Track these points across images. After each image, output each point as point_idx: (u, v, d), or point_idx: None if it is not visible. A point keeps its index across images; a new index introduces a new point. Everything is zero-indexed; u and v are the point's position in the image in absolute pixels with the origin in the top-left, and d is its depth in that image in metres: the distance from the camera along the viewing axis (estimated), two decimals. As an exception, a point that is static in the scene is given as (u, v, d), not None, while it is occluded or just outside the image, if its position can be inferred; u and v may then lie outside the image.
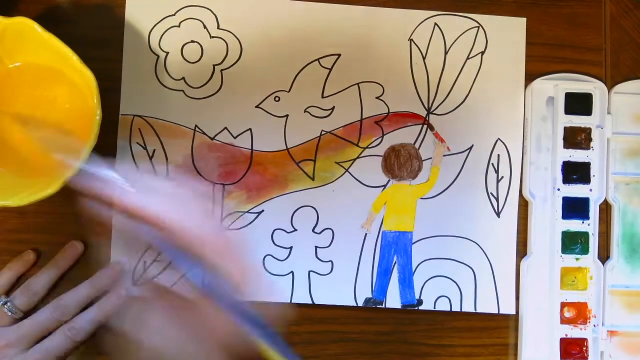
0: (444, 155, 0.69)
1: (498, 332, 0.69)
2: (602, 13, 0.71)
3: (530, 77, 0.70)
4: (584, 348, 0.67)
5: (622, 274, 0.69)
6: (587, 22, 0.71)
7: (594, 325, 0.67)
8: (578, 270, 0.68)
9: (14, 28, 0.59)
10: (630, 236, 0.69)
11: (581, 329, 0.67)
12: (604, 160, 0.69)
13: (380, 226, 0.69)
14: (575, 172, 0.68)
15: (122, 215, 0.47)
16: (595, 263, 0.68)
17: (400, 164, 0.69)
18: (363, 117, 0.69)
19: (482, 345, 0.69)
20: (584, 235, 0.68)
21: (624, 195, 0.69)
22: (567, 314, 0.67)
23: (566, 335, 0.67)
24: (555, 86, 0.69)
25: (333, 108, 0.69)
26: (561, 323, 0.67)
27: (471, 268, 0.69)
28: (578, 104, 0.68)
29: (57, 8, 0.68)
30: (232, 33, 0.68)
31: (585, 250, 0.68)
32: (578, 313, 0.67)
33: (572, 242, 0.68)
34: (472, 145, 0.69)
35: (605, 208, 0.70)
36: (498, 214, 0.69)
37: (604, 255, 0.69)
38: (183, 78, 0.68)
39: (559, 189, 0.68)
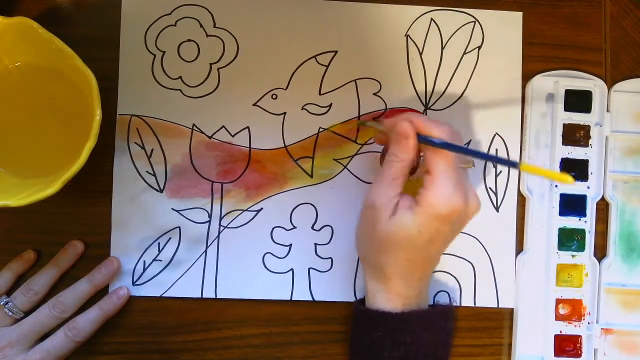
0: (443, 151, 0.73)
1: (498, 332, 0.72)
2: (602, 13, 0.73)
3: (530, 77, 0.72)
4: (578, 345, 0.70)
5: (618, 272, 0.72)
6: (587, 22, 0.73)
7: (588, 323, 0.71)
8: (573, 267, 0.71)
9: (14, 28, 0.61)
10: (628, 235, 0.72)
11: (575, 326, 0.70)
12: (602, 158, 0.71)
13: (380, 222, 0.72)
14: (574, 169, 0.71)
15: None
16: (591, 260, 0.71)
17: None
18: (361, 114, 0.72)
19: (482, 345, 0.72)
20: (581, 233, 0.71)
21: (622, 193, 0.72)
22: (561, 311, 0.71)
23: (560, 331, 0.70)
24: (555, 83, 0.72)
25: (330, 105, 0.71)
26: (556, 320, 0.70)
27: (470, 263, 0.72)
28: (578, 101, 0.71)
29: (57, 8, 0.70)
30: (228, 31, 0.71)
31: (581, 248, 0.71)
32: (573, 310, 0.71)
33: (569, 239, 0.71)
34: (470, 140, 0.72)
35: (604, 206, 0.73)
36: (497, 209, 0.72)
37: (602, 254, 0.72)
38: (180, 77, 0.70)
39: (556, 186, 0.71)
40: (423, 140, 0.58)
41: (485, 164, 0.72)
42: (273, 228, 0.71)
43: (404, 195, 0.59)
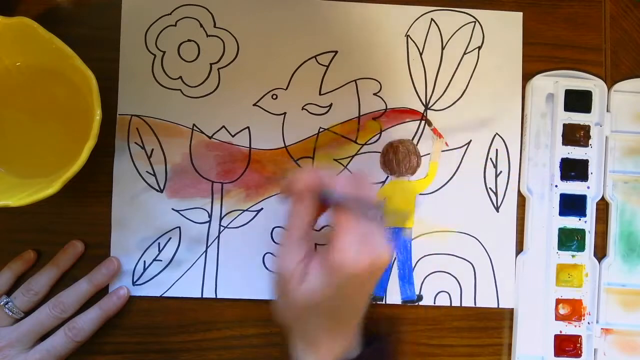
0: (443, 151, 0.72)
1: (498, 332, 0.72)
2: (602, 13, 0.74)
3: (530, 77, 0.72)
4: (578, 345, 0.71)
5: (619, 272, 0.72)
6: (587, 22, 0.73)
7: (589, 323, 0.71)
8: (573, 267, 0.71)
9: (14, 28, 0.61)
10: (628, 234, 0.72)
11: (575, 326, 0.71)
12: (602, 158, 0.72)
13: (380, 222, 0.72)
14: (573, 169, 0.71)
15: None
16: (591, 260, 0.71)
17: (399, 160, 0.72)
18: (361, 114, 0.72)
19: (482, 345, 0.72)
20: (581, 233, 0.71)
21: (622, 193, 0.72)
22: (561, 311, 0.71)
23: (560, 331, 0.71)
24: (555, 83, 0.72)
25: (331, 105, 0.72)
26: (556, 320, 0.71)
27: (471, 263, 0.72)
28: (578, 101, 0.72)
29: (57, 8, 0.70)
30: (228, 31, 0.71)
31: (581, 248, 0.71)
32: (573, 310, 0.71)
33: (569, 239, 0.71)
34: (470, 140, 0.72)
35: (604, 206, 0.73)
36: (497, 209, 0.72)
37: (602, 254, 0.72)
38: (180, 77, 0.70)
39: (556, 186, 0.71)
40: (322, 196, 0.57)
41: (486, 162, 0.72)
42: (273, 228, 0.71)
43: (313, 256, 0.57)
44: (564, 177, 0.72)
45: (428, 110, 0.72)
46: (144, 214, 0.70)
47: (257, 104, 0.71)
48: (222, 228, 0.71)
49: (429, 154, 0.72)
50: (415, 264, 0.72)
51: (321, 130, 0.72)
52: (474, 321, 0.72)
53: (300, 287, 0.55)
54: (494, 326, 0.72)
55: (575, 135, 0.72)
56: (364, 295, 0.59)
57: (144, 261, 0.70)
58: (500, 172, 0.73)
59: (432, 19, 0.73)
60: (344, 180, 0.57)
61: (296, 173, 0.58)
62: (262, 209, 0.71)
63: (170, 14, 0.71)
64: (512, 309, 0.72)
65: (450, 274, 0.72)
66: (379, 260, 0.55)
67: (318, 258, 0.56)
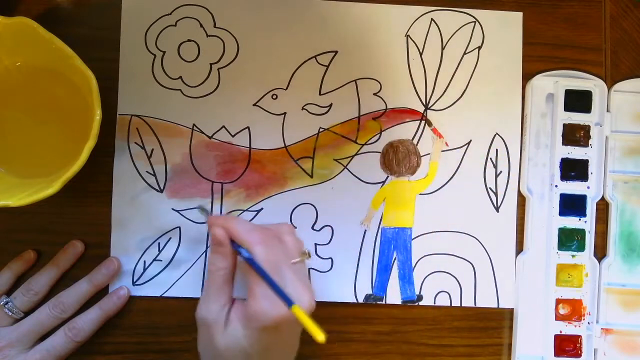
0: (443, 151, 0.72)
1: (498, 332, 0.72)
2: (602, 13, 0.74)
3: (529, 77, 0.72)
4: (578, 345, 0.71)
5: (619, 272, 0.72)
6: (587, 22, 0.73)
7: (589, 323, 0.71)
8: (573, 267, 0.71)
9: (14, 28, 0.61)
10: (628, 235, 0.72)
11: (575, 326, 0.71)
12: (602, 158, 0.72)
13: (380, 222, 0.72)
14: (573, 169, 0.71)
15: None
16: (591, 260, 0.71)
17: (399, 160, 0.72)
18: (361, 114, 0.72)
19: (482, 345, 0.72)
20: (581, 233, 0.71)
21: (622, 193, 0.72)
22: (561, 311, 0.71)
23: (560, 331, 0.71)
24: (555, 83, 0.72)
25: (331, 105, 0.72)
26: (556, 320, 0.71)
27: (471, 263, 0.72)
28: (578, 101, 0.72)
29: (57, 8, 0.70)
30: (228, 31, 0.71)
31: (581, 248, 0.71)
32: (573, 310, 0.71)
33: (569, 239, 0.71)
34: (470, 140, 0.72)
35: (604, 206, 0.73)
36: (497, 209, 0.72)
37: (602, 254, 0.72)
38: (180, 77, 0.70)
39: (556, 186, 0.71)
40: (236, 248, 0.58)
41: (486, 162, 0.72)
42: (273, 228, 0.71)
43: (237, 304, 0.58)
44: (564, 177, 0.72)
45: (428, 110, 0.72)
46: (144, 214, 0.70)
47: (257, 104, 0.71)
48: (222, 228, 0.71)
49: (429, 154, 0.72)
50: (415, 264, 0.72)
51: (321, 130, 0.72)
52: (474, 321, 0.72)
53: (223, 335, 0.56)
54: (494, 326, 0.72)
55: (575, 135, 0.72)
56: (285, 346, 0.59)
57: (144, 261, 0.70)
58: (500, 172, 0.73)
59: (432, 19, 0.72)
60: (256, 236, 0.57)
61: (213, 218, 0.60)
62: (262, 209, 0.71)
63: (170, 14, 0.71)
64: (512, 309, 0.72)
65: (450, 274, 0.72)
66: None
67: (241, 306, 0.57)
